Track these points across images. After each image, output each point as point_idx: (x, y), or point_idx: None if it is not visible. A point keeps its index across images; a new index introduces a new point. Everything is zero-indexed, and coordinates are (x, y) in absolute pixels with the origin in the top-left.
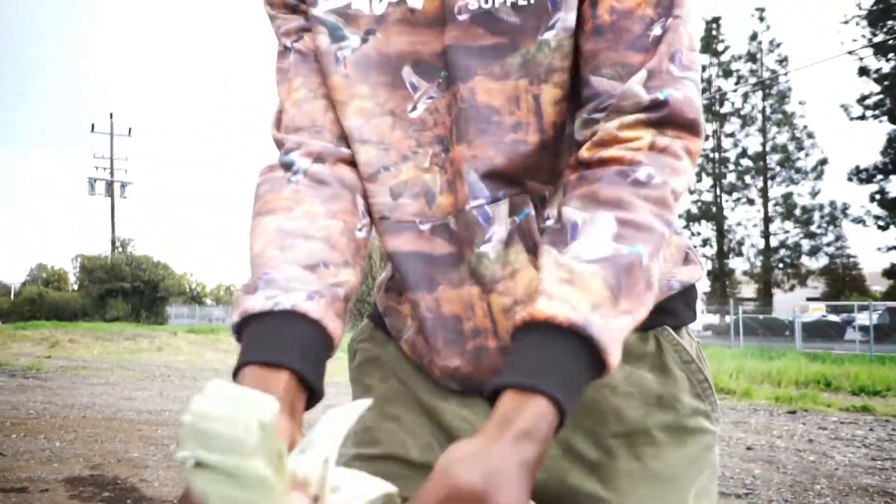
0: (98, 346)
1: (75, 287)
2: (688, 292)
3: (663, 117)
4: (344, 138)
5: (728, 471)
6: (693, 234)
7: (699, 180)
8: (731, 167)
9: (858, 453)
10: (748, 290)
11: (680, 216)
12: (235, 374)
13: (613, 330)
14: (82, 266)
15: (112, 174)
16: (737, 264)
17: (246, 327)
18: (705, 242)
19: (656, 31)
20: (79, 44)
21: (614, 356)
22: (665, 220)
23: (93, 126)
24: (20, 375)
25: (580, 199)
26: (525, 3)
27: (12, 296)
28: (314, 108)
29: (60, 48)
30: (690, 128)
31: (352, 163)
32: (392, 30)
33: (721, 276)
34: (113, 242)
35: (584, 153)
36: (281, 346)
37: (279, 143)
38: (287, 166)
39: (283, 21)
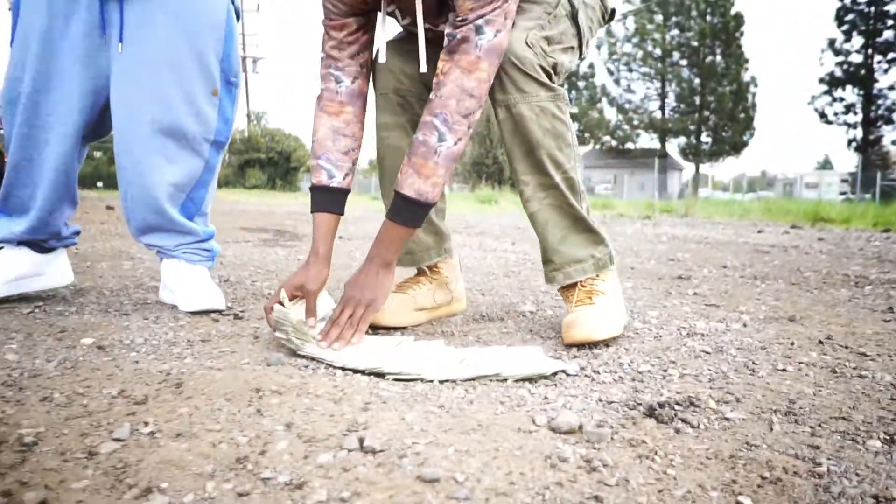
0: (244, 196)
1: None
2: None
3: None
4: (364, 66)
5: None
6: (835, 100)
7: (848, 39)
8: (891, 22)
9: None
10: None
11: (821, 80)
12: (313, 212)
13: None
14: None
15: (244, 49)
16: (886, 134)
17: (314, 190)
18: (849, 109)
19: None
20: None
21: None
22: None
23: None
24: None
25: None
26: None
27: None
28: (351, 51)
29: None
30: None
31: (367, 79)
32: None
33: (866, 146)
34: (248, 116)
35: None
36: (329, 202)
37: (326, 59)
38: (337, 80)
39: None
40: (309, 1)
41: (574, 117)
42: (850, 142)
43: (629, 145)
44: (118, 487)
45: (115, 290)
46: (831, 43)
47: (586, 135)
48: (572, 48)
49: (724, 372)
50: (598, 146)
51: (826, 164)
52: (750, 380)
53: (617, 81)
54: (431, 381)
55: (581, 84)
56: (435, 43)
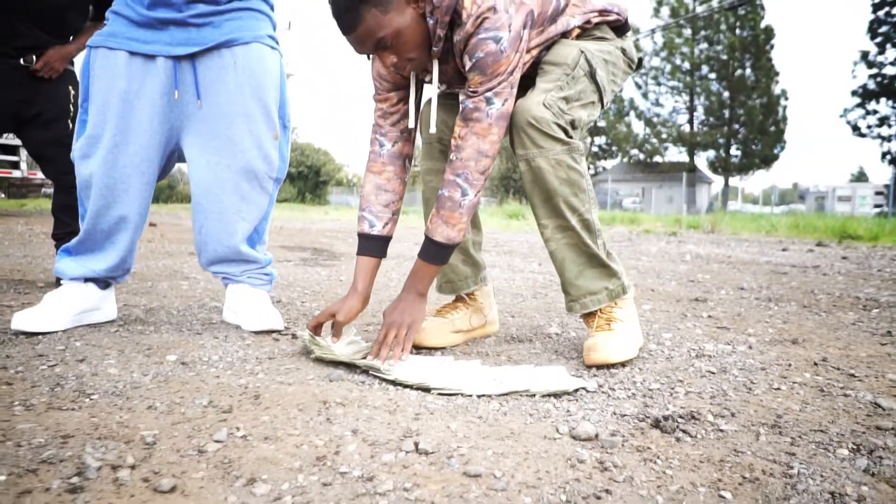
0: (276, 212)
1: None
2: None
3: None
4: (404, 132)
5: None
6: (868, 113)
7: (882, 51)
8: None
9: None
10: None
11: (854, 92)
12: (357, 254)
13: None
14: None
15: None
16: None
17: (359, 237)
18: (882, 122)
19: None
20: None
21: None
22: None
23: None
24: None
25: None
26: None
27: None
28: (392, 120)
29: None
30: None
31: (407, 142)
32: None
33: None
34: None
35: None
36: (370, 247)
37: (374, 126)
38: (381, 144)
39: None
40: None
41: (602, 131)
42: (884, 154)
43: (657, 159)
44: (228, 478)
45: (181, 310)
46: (864, 55)
47: (614, 148)
48: (592, 103)
49: (724, 390)
50: (625, 159)
51: (861, 177)
52: (746, 397)
53: (645, 95)
54: (470, 396)
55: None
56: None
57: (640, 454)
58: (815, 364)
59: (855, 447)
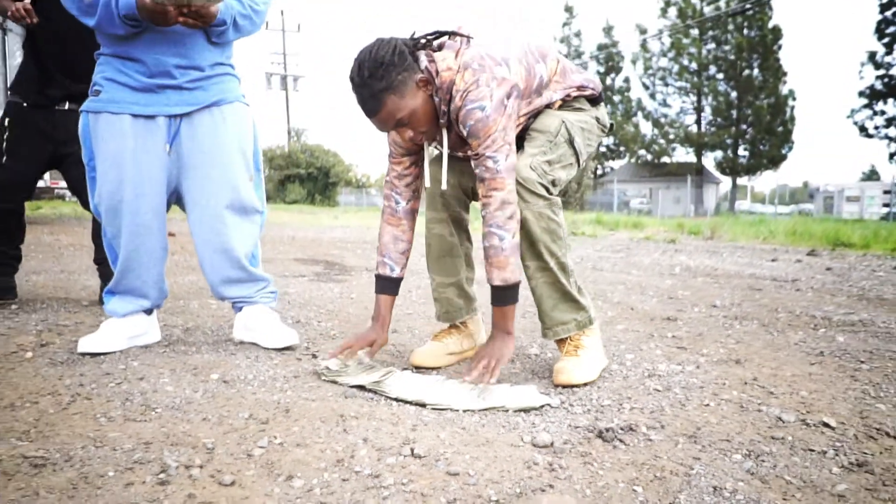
0: (287, 216)
1: None
2: None
3: None
4: (416, 192)
5: None
6: (875, 113)
7: (889, 52)
8: None
9: None
10: None
11: (861, 93)
12: (376, 293)
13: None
14: (264, 155)
15: (285, 69)
16: None
17: (378, 279)
18: (890, 122)
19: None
20: None
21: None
22: None
23: (267, 24)
24: None
25: None
26: None
27: None
28: (406, 181)
29: None
30: None
31: (417, 199)
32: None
33: None
34: (289, 132)
35: None
36: (390, 287)
37: (389, 184)
38: (396, 202)
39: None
40: (348, 22)
41: (609, 131)
42: (891, 155)
43: (665, 159)
44: (271, 475)
45: (214, 329)
46: (871, 56)
47: (621, 149)
48: (571, 164)
49: (662, 406)
50: (633, 160)
51: (873, 175)
52: (678, 412)
53: (652, 96)
54: (457, 410)
55: (616, 98)
56: (463, 160)
57: (583, 458)
58: (745, 383)
59: (748, 453)
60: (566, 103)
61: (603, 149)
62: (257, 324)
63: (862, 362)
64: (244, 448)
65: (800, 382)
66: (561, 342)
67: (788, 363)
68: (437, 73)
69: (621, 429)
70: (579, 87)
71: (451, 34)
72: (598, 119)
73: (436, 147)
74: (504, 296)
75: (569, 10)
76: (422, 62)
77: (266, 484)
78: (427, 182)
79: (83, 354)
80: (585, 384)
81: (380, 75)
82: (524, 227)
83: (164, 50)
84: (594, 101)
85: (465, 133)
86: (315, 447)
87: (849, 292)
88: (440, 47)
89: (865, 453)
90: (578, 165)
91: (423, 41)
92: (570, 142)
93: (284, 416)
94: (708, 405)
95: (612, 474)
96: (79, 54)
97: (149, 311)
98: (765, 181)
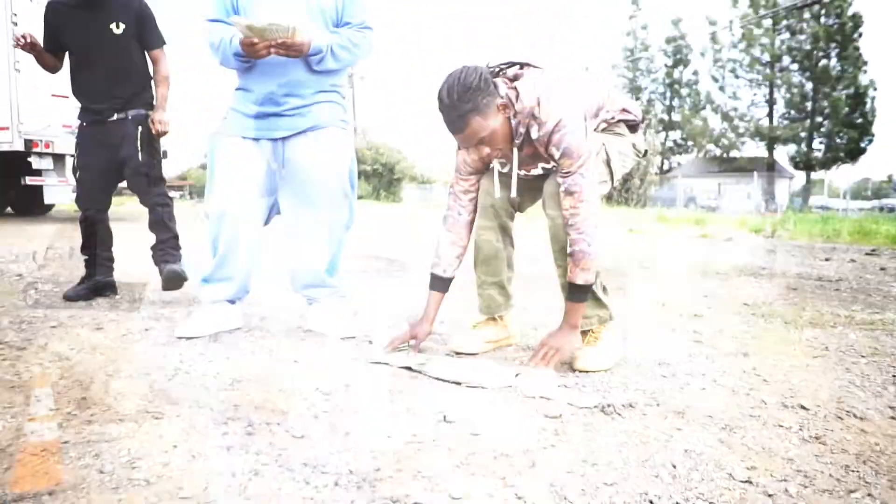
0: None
1: None
2: None
3: None
4: (475, 205)
5: None
6: None
7: None
8: None
9: None
10: None
11: None
12: (430, 289)
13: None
14: None
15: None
16: None
17: (433, 277)
18: None
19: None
20: None
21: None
22: None
23: None
24: None
25: None
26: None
27: None
28: (470, 196)
29: None
30: None
31: (474, 212)
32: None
33: None
34: (355, 130)
35: None
36: (441, 286)
37: (454, 196)
38: (459, 213)
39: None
40: (411, 23)
41: (676, 125)
42: None
43: (734, 153)
44: (333, 432)
45: (286, 319)
46: None
47: (689, 143)
48: (605, 181)
49: (663, 388)
50: (700, 154)
51: None
52: (675, 394)
53: (722, 88)
54: (487, 388)
55: (684, 91)
56: (523, 179)
57: (584, 427)
58: (745, 372)
59: (724, 426)
60: (609, 126)
61: (670, 143)
62: (325, 316)
63: (863, 357)
64: (312, 412)
65: (794, 373)
66: (583, 334)
67: (791, 356)
68: (518, 98)
69: (622, 405)
70: (623, 110)
71: (523, 65)
72: (634, 145)
73: (499, 164)
74: (582, 294)
75: (635, 2)
76: (501, 89)
77: (328, 437)
78: (497, 192)
79: (180, 338)
80: (599, 371)
81: (467, 98)
82: (558, 232)
83: (269, 81)
84: (633, 127)
85: (557, 154)
86: (367, 413)
87: (887, 293)
88: (515, 77)
89: (827, 430)
90: (612, 184)
91: (498, 69)
92: (607, 163)
93: (344, 389)
94: (704, 389)
95: (605, 439)
96: (91, 80)
97: (232, 302)
98: (844, 175)
